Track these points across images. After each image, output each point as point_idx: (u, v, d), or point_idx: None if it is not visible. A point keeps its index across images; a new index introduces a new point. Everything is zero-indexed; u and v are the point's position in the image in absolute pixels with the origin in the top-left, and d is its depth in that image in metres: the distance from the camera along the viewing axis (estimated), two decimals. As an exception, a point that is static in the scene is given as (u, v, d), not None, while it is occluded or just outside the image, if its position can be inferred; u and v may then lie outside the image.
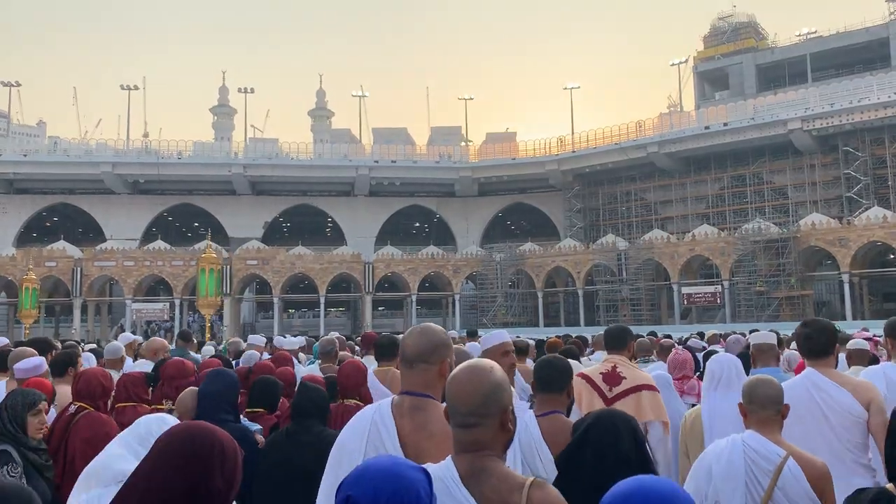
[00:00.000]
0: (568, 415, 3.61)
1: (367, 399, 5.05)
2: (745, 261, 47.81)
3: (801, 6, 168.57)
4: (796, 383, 4.02)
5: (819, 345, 4.04)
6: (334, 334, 10.18)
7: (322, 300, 54.64)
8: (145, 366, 8.36)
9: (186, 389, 4.57)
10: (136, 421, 2.79)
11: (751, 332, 6.69)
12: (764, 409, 3.14)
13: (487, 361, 2.13)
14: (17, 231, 60.39)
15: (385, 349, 5.73)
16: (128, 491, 1.85)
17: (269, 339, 12.36)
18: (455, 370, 2.12)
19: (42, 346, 6.74)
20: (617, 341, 5.04)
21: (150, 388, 5.49)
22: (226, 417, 4.08)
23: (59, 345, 8.76)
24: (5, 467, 3.65)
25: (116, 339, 32.69)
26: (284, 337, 12.07)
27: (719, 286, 49.51)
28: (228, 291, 53.15)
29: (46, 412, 4.00)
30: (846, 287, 45.32)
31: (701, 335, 14.35)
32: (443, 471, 2.00)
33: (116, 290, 56.14)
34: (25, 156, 57.51)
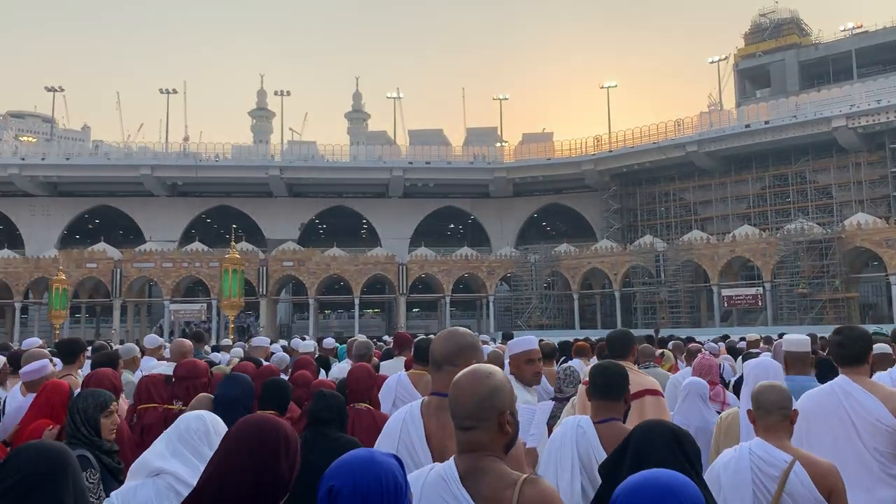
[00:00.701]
0: (625, 421, 3.53)
1: (376, 403, 5.01)
2: (788, 262, 46.61)
3: (846, 1, 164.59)
4: (825, 390, 3.97)
5: (852, 352, 3.98)
6: (361, 336, 9.98)
7: (356, 301, 54.73)
8: (167, 367, 8.31)
9: (202, 395, 4.59)
10: (177, 419, 2.94)
11: (780, 335, 6.21)
12: (770, 415, 3.14)
13: (488, 366, 2.21)
14: (60, 233, 61.66)
15: (422, 352, 5.55)
16: (207, 476, 2.07)
17: (319, 339, 12.27)
18: (457, 375, 2.20)
19: (72, 348, 6.71)
20: (620, 346, 4.94)
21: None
22: None
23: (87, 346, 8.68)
24: (84, 473, 3.44)
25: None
26: (303, 339, 11.91)
27: (760, 288, 48.36)
28: (265, 293, 53.64)
29: (117, 411, 3.94)
30: (894, 289, 43.86)
31: (725, 338, 13.73)
32: (444, 470, 2.13)
33: (155, 291, 56.95)
34: (68, 159, 58.63)
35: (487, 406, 2.10)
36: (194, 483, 2.21)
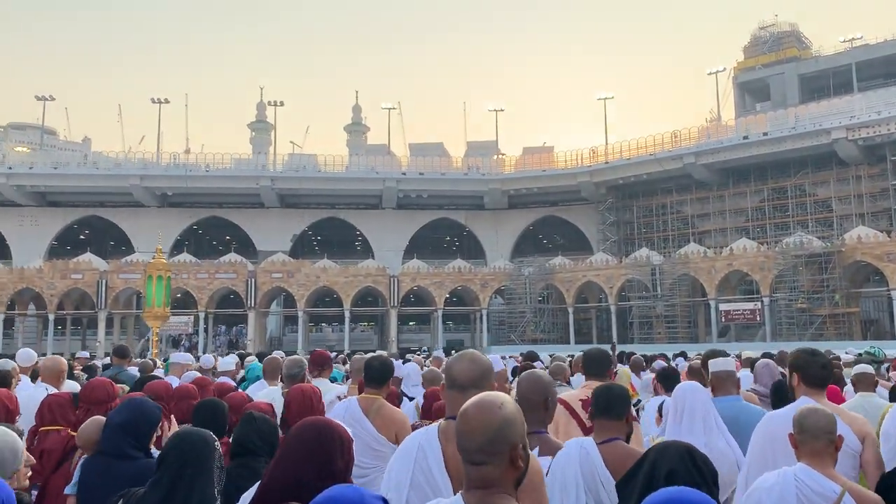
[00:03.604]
0: (628, 441, 3.49)
1: None
2: (787, 276, 45.56)
3: (846, 14, 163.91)
4: (788, 413, 3.77)
5: (816, 374, 4.01)
6: (300, 354, 8.96)
7: (347, 314, 53.67)
8: (72, 385, 7.32)
9: (93, 418, 4.12)
10: None
11: (703, 355, 5.72)
12: (817, 440, 3.07)
13: (498, 395, 2.07)
14: (49, 243, 60.75)
15: (375, 374, 4.84)
16: (269, 475, 2.26)
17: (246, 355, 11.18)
18: (465, 405, 2.07)
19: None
20: (596, 366, 4.84)
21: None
22: (132, 453, 3.61)
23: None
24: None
25: (142, 354, 31.23)
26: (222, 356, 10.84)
27: (759, 303, 47.24)
28: (253, 305, 52.63)
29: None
30: (895, 304, 42.75)
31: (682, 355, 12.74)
32: None
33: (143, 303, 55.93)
34: (56, 168, 57.88)
35: (500, 440, 1.96)
36: None
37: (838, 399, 5.59)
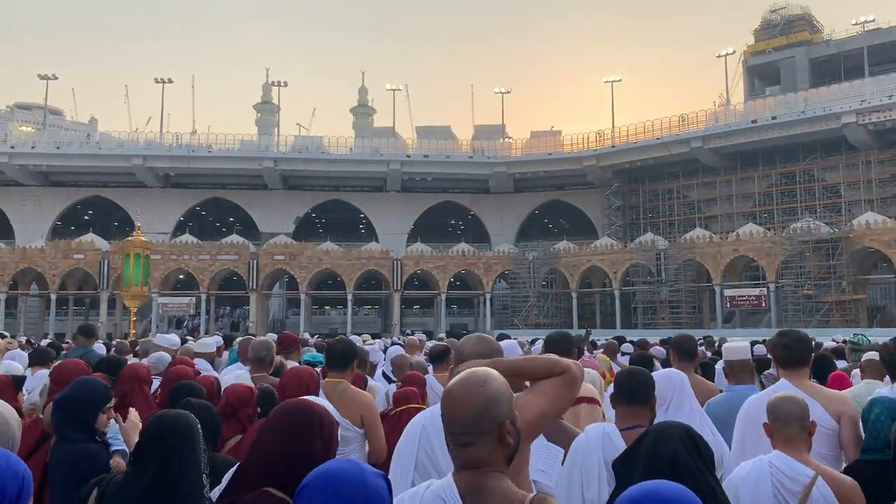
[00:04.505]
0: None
1: None
2: (793, 262, 45.05)
3: None
4: (767, 394, 3.86)
5: (797, 355, 4.00)
6: (272, 336, 8.63)
7: (349, 297, 53.43)
8: (12, 367, 7.02)
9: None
10: None
11: (716, 341, 5.53)
12: (788, 427, 3.11)
13: (483, 372, 1.95)
14: (52, 223, 60.62)
15: (338, 357, 4.69)
16: (246, 458, 2.27)
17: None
18: (450, 383, 1.98)
19: None
20: (558, 349, 4.44)
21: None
22: (74, 436, 3.40)
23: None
24: None
25: (144, 334, 30.61)
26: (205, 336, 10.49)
27: (765, 289, 46.76)
28: (255, 287, 52.42)
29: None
30: (903, 291, 42.24)
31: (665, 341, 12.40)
32: (443, 489, 1.93)
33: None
34: (58, 148, 57.58)
35: (486, 419, 1.86)
36: None
37: (845, 385, 5.53)
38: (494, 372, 1.97)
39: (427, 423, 2.71)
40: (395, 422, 5.36)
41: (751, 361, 4.65)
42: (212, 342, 8.75)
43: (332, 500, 1.67)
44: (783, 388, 3.84)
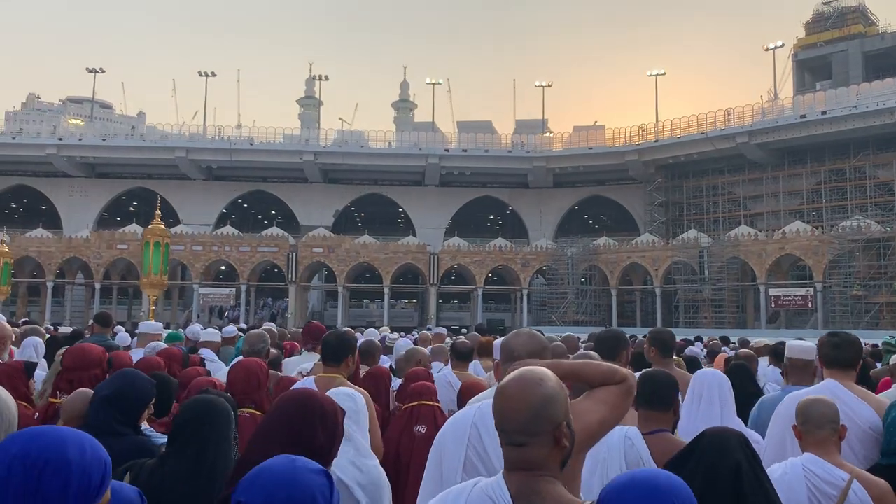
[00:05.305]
0: (673, 433, 3.33)
1: (262, 406, 4.20)
2: (842, 262, 43.64)
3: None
4: (813, 393, 3.71)
5: (846, 356, 3.89)
6: (268, 325, 8.43)
7: (386, 290, 53.46)
8: (27, 352, 6.84)
9: (79, 391, 3.86)
10: None
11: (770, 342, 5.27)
12: (821, 429, 3.07)
13: (539, 371, 1.90)
14: (98, 214, 61.84)
15: (331, 350, 4.41)
16: (246, 451, 2.21)
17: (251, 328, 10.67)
18: (503, 381, 1.92)
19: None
20: (608, 350, 4.30)
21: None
22: (120, 430, 3.33)
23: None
24: None
25: (186, 324, 30.67)
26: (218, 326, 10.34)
27: (811, 289, 45.41)
28: (294, 279, 52.79)
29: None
30: (958, 294, 40.62)
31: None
32: (493, 490, 1.86)
33: (187, 274, 56.57)
34: (104, 140, 58.69)
35: (542, 419, 1.81)
36: None
37: (887, 388, 5.24)
38: (549, 372, 1.91)
39: (477, 420, 2.62)
40: (407, 417, 5.14)
41: (815, 363, 4.38)
42: (215, 332, 8.60)
43: (258, 494, 1.65)
44: (831, 388, 3.76)
